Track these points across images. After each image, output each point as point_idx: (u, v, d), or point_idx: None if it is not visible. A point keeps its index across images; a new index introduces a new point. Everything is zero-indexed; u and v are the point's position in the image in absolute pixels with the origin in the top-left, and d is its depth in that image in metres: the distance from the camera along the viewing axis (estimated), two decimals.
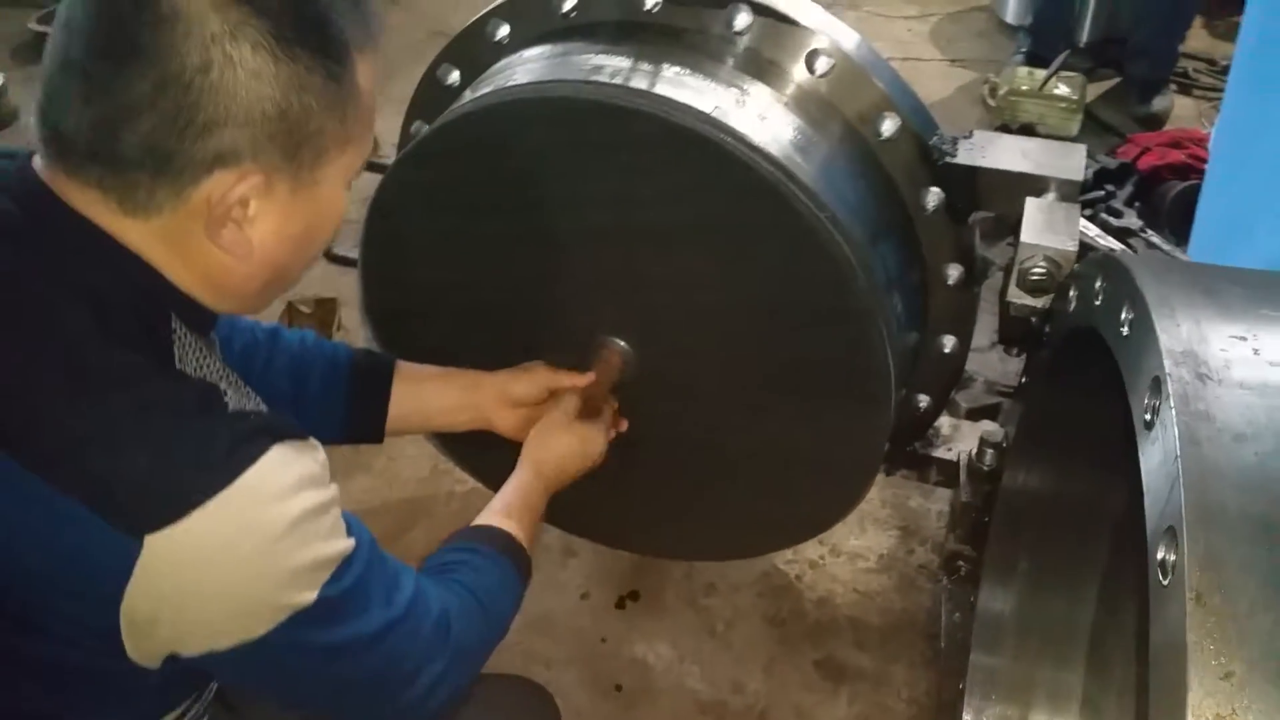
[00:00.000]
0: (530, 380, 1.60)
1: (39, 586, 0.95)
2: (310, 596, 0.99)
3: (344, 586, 1.02)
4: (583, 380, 1.60)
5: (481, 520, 1.40)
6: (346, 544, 1.03)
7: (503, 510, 1.42)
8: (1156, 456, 0.81)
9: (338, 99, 0.98)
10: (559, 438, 1.55)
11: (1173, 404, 0.80)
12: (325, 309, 2.68)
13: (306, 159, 0.99)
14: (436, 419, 1.62)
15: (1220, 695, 0.67)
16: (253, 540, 0.95)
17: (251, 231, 0.99)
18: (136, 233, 0.97)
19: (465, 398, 1.59)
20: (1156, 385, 0.84)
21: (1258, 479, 0.75)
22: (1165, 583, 0.75)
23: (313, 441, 1.03)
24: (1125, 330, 0.96)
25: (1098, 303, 1.09)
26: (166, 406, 0.94)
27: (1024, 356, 1.62)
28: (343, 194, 1.07)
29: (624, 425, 1.66)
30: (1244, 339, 0.85)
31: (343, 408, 1.54)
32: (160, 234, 0.97)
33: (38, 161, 0.98)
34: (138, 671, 1.00)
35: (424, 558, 1.33)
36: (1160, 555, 0.76)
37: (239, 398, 1.00)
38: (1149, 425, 0.84)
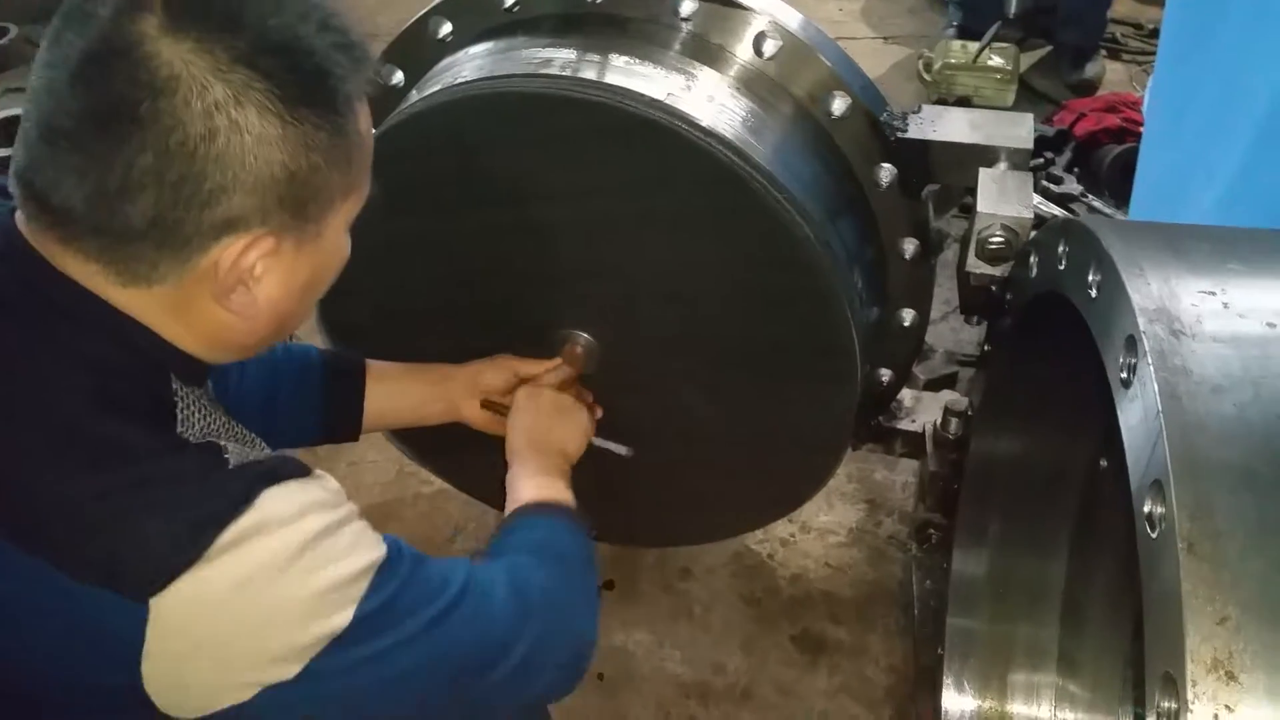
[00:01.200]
0: (499, 369, 1.60)
1: (54, 666, 0.93)
2: (345, 617, 0.96)
3: (386, 596, 0.99)
4: (550, 366, 1.59)
5: (507, 511, 1.36)
6: (376, 553, 1.00)
7: (520, 494, 1.39)
8: (1136, 414, 0.83)
9: (343, 151, 0.96)
10: (529, 413, 1.52)
11: (1150, 361, 0.82)
12: None
13: (313, 214, 0.97)
14: (410, 413, 1.61)
15: (1218, 639, 0.69)
16: (259, 578, 0.92)
17: (258, 290, 0.97)
18: (137, 301, 0.94)
19: (437, 391, 1.59)
20: (1132, 344, 0.86)
21: (1238, 429, 0.77)
22: (1154, 535, 0.77)
23: (318, 473, 1.01)
24: (1094, 292, 0.98)
25: (1061, 267, 1.11)
26: (167, 478, 0.92)
27: (984, 325, 1.65)
28: (344, 238, 1.05)
29: (599, 412, 1.65)
30: (1213, 293, 0.87)
31: (319, 409, 1.53)
32: (162, 301, 0.95)
33: (20, 220, 0.94)
34: None
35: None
36: (1147, 509, 0.78)
37: (240, 450, 0.97)
38: (1126, 384, 0.86)
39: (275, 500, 0.93)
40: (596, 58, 1.52)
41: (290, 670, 0.94)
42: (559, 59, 1.52)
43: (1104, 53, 3.73)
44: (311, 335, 2.48)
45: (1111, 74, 3.68)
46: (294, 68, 0.90)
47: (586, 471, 1.62)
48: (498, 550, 1.25)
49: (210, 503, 0.91)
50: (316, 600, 0.95)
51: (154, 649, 0.90)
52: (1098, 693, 1.53)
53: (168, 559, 0.89)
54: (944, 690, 1.61)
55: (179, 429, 0.96)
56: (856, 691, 1.95)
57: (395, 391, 1.58)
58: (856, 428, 1.88)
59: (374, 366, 1.58)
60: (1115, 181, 2.97)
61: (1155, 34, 3.45)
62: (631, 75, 1.48)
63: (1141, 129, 2.94)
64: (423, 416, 1.61)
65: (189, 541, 0.89)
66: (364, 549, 0.99)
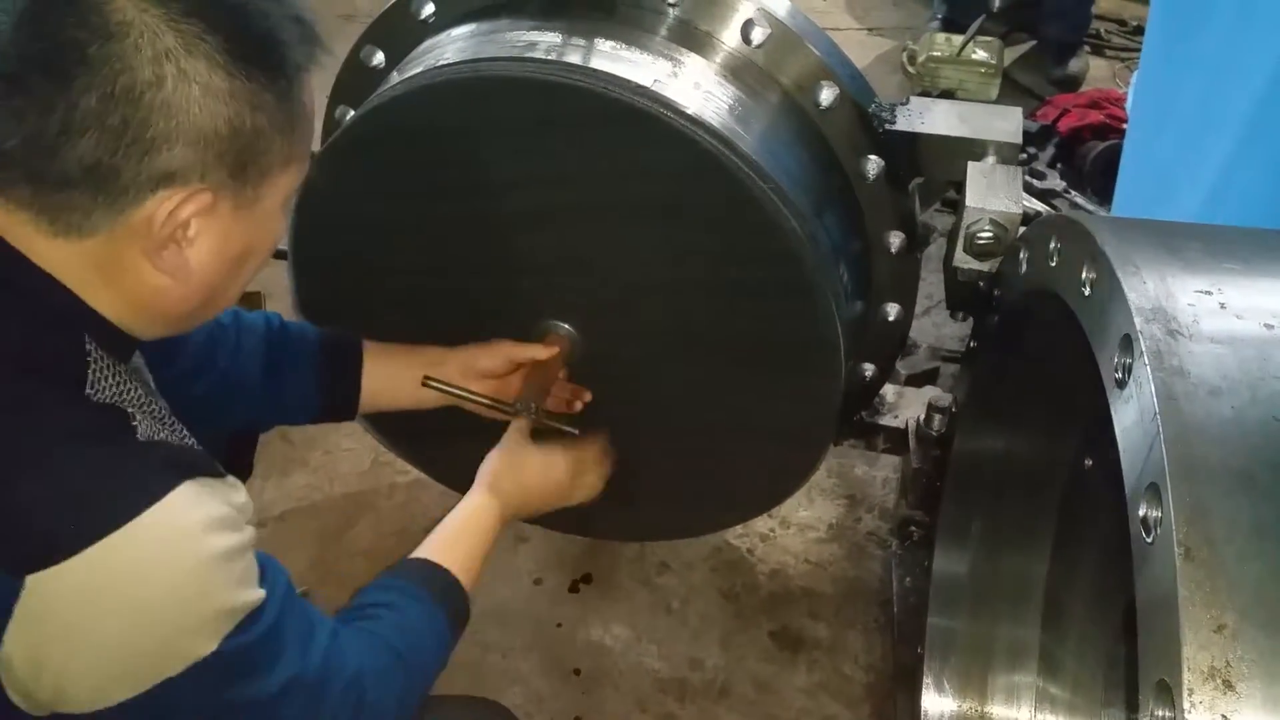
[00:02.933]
0: (494, 353, 1.57)
1: None
2: (210, 647, 0.93)
3: (248, 641, 0.96)
4: (547, 353, 1.56)
5: (422, 551, 1.33)
6: (256, 595, 0.97)
7: (449, 539, 1.36)
8: (1132, 414, 0.82)
9: (287, 117, 0.97)
10: (520, 456, 1.49)
11: (1147, 361, 0.80)
12: (250, 304, 2.60)
13: (252, 177, 0.96)
14: (406, 395, 1.57)
15: (1214, 647, 0.68)
16: (150, 585, 0.89)
17: (191, 252, 0.96)
18: (62, 254, 0.92)
19: (433, 373, 1.55)
20: (1128, 343, 0.84)
21: (1236, 432, 0.75)
22: (1150, 539, 0.75)
23: (231, 480, 0.99)
24: (1087, 290, 0.96)
25: (1053, 264, 1.10)
26: (61, 433, 0.89)
27: (969, 321, 1.63)
28: (280, 214, 1.04)
29: (587, 395, 1.63)
30: (1209, 293, 0.86)
31: (316, 388, 1.51)
32: (91, 255, 0.92)
33: None
34: None
35: (355, 591, 1.27)
36: (1142, 512, 0.76)
37: (151, 426, 0.94)
38: (1121, 384, 0.85)
39: (187, 501, 0.91)
40: (582, 42, 1.50)
41: (141, 686, 0.91)
42: (544, 42, 1.49)
43: (1088, 48, 3.73)
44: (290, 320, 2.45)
45: (1095, 70, 3.68)
46: (246, 27, 0.91)
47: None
48: (369, 611, 1.21)
49: (116, 482, 0.89)
50: (192, 622, 0.92)
51: (18, 630, 0.86)
52: (1078, 694, 1.52)
53: (59, 534, 0.86)
54: (924, 690, 1.60)
55: (86, 389, 0.93)
56: (835, 689, 1.94)
57: (393, 372, 1.55)
58: (839, 423, 1.87)
59: (371, 347, 1.56)
60: (1098, 178, 2.96)
61: (1139, 30, 3.45)
62: (617, 60, 1.46)
63: (1125, 125, 2.94)
64: (419, 399, 1.58)
65: (89, 520, 0.87)
66: (247, 586, 0.97)
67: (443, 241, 1.58)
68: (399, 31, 1.65)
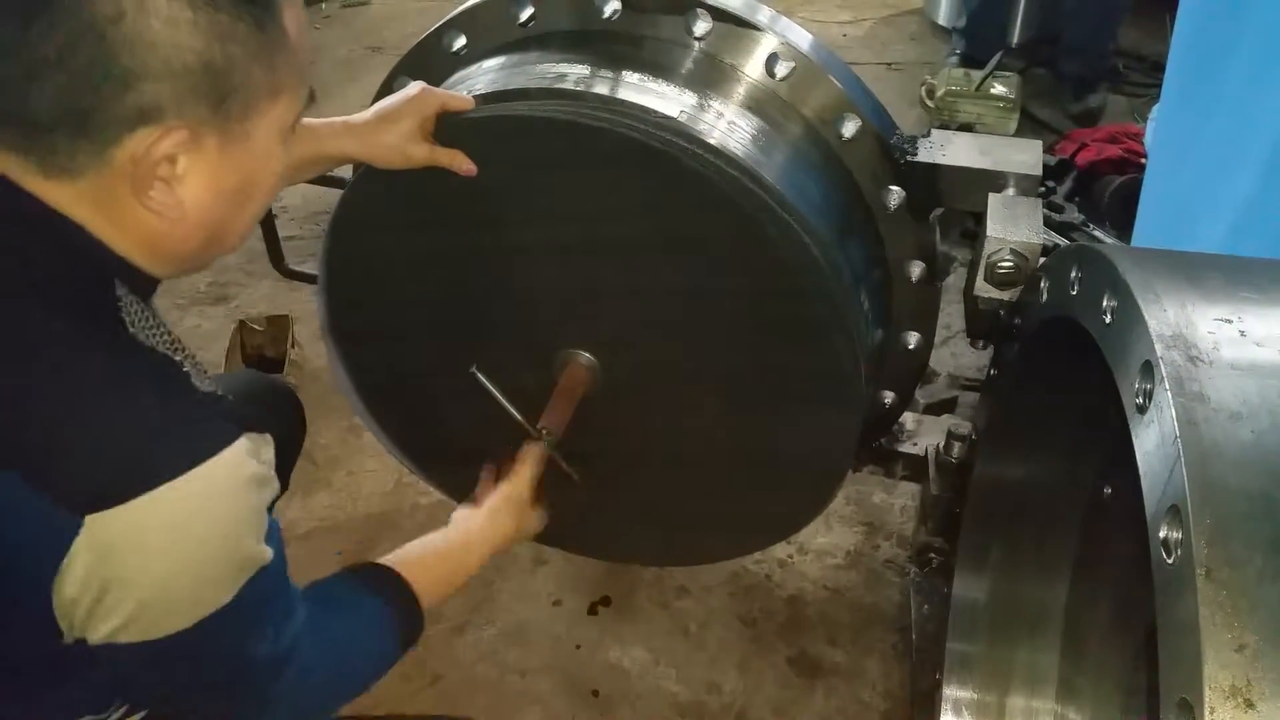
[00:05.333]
0: (398, 114, 1.44)
1: None
2: (229, 595, 0.97)
3: (256, 594, 1.00)
4: (461, 103, 1.47)
5: (391, 559, 1.34)
6: (269, 550, 1.01)
7: (432, 558, 1.38)
8: (1153, 439, 0.83)
9: (264, 47, 0.94)
10: (507, 519, 1.49)
11: (1168, 386, 0.82)
12: (278, 326, 2.64)
13: (235, 111, 0.94)
14: (320, 163, 1.48)
15: (1235, 667, 0.69)
16: (201, 532, 0.93)
17: (182, 190, 0.95)
18: (63, 195, 0.92)
19: (335, 143, 1.45)
20: (1148, 369, 0.86)
21: (1255, 456, 0.77)
22: (1170, 561, 0.76)
23: (268, 436, 1.01)
24: (1108, 318, 0.98)
25: (1074, 292, 1.12)
26: (121, 377, 0.91)
27: (988, 349, 1.65)
28: (278, 147, 1.02)
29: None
30: (1229, 321, 0.88)
31: None
32: (88, 196, 0.92)
33: None
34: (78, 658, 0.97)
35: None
36: (1163, 534, 0.78)
37: (199, 378, 0.96)
38: (1142, 409, 0.87)
39: (242, 455, 0.94)
40: (610, 74, 1.53)
41: (176, 625, 0.95)
42: (573, 74, 1.52)
43: (1106, 84, 3.76)
44: (316, 342, 2.49)
45: (1113, 105, 3.71)
46: None
47: (584, 491, 1.62)
48: (330, 600, 1.22)
49: (182, 429, 0.91)
50: (233, 567, 0.96)
51: (77, 565, 0.89)
52: None
53: (125, 476, 0.88)
54: (942, 715, 1.61)
55: (130, 330, 0.94)
56: (852, 715, 1.94)
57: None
58: (858, 450, 1.89)
59: None
60: (1116, 211, 2.98)
61: (1157, 67, 3.48)
62: (644, 92, 1.49)
63: (1143, 160, 2.96)
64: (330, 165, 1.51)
65: (155, 465, 0.89)
66: (264, 540, 1.01)
67: (467, 271, 1.61)
68: (431, 63, 1.68)
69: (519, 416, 1.55)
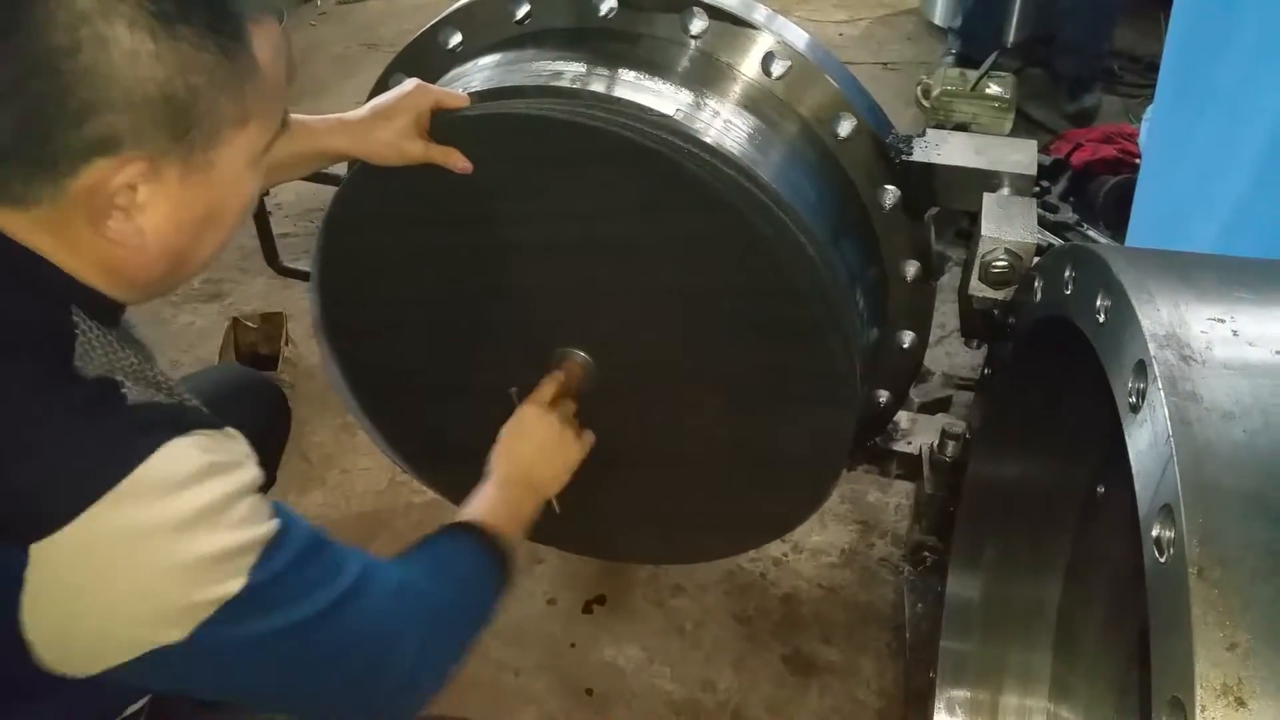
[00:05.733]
0: (394, 112, 1.44)
1: None
2: (238, 584, 0.93)
3: (276, 569, 0.96)
4: (457, 101, 1.47)
5: (461, 515, 1.34)
6: (270, 526, 0.98)
7: (470, 504, 1.36)
8: (1145, 438, 0.84)
9: (231, 76, 0.91)
10: (522, 439, 1.48)
11: (1160, 386, 0.82)
12: (272, 324, 2.63)
13: (199, 141, 0.92)
14: (314, 160, 1.50)
15: (1227, 665, 0.69)
16: (149, 540, 0.89)
17: (143, 220, 0.93)
18: (18, 223, 0.90)
19: (328, 140, 1.46)
20: (1141, 369, 0.86)
21: (1248, 455, 0.77)
22: (1163, 560, 0.77)
23: (229, 431, 0.98)
24: (1102, 317, 0.98)
25: (1068, 292, 1.12)
26: (53, 413, 0.89)
27: (982, 349, 1.65)
28: (248, 173, 1.00)
29: (592, 441, 1.60)
30: (1222, 320, 0.88)
31: None
32: (44, 224, 0.91)
33: None
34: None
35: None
36: (1156, 533, 0.78)
37: (141, 390, 0.93)
38: (1135, 408, 0.87)
39: (176, 455, 0.91)
40: (606, 72, 1.53)
41: (177, 634, 0.92)
42: (569, 71, 1.52)
43: (1101, 84, 3.76)
44: (310, 340, 2.49)
45: (1108, 105, 3.71)
46: None
47: (580, 489, 1.61)
48: (403, 556, 1.22)
49: (103, 449, 0.89)
50: (207, 565, 0.92)
51: (35, 596, 0.88)
52: (1090, 719, 1.52)
53: (55, 503, 0.87)
54: (935, 715, 1.61)
55: (75, 362, 0.92)
56: (847, 713, 1.94)
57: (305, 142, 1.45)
58: (853, 449, 1.89)
59: None
60: (1110, 211, 2.99)
61: (1152, 67, 3.47)
62: (641, 90, 1.49)
63: (1137, 160, 2.97)
64: (312, 166, 1.51)
65: (81, 487, 0.87)
66: (257, 522, 0.97)
67: (461, 269, 1.61)
68: (427, 60, 1.68)
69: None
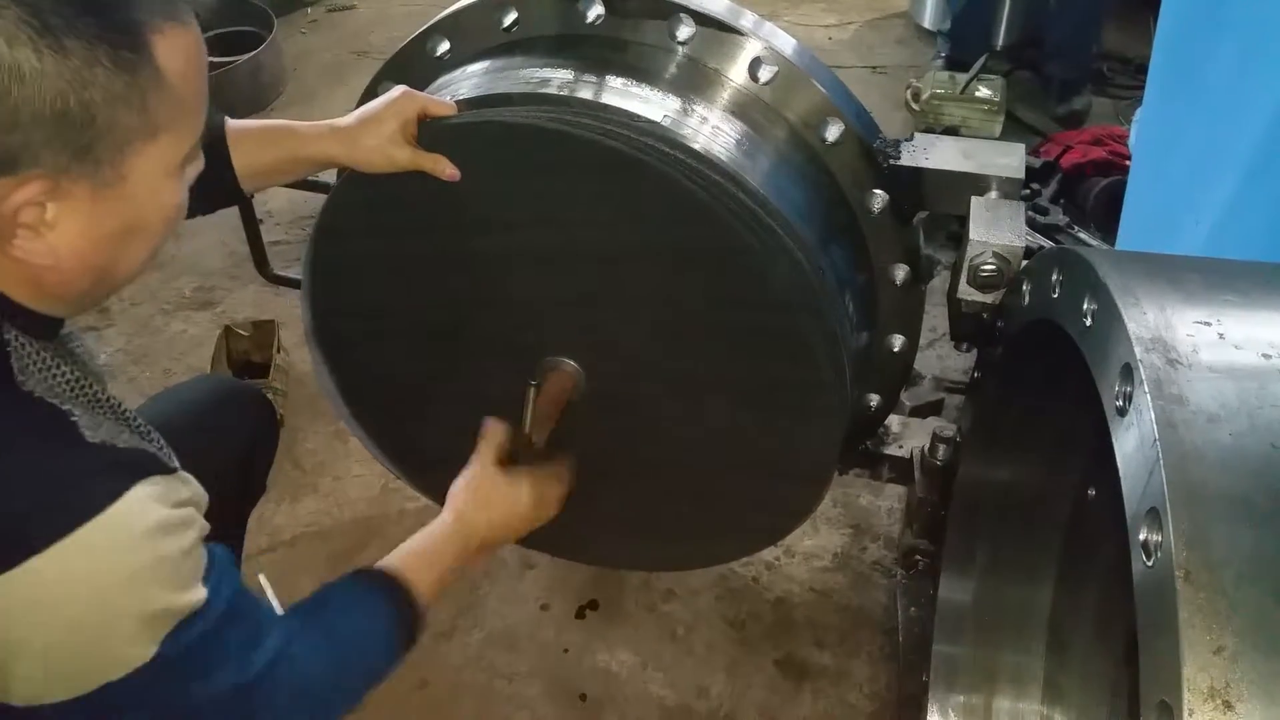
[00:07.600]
0: (383, 118, 1.43)
1: None
2: (149, 650, 0.92)
3: (186, 643, 0.95)
4: (443, 109, 1.46)
5: (384, 563, 1.31)
6: (197, 596, 0.96)
7: (416, 557, 1.33)
8: (1132, 441, 0.84)
9: (130, 89, 0.88)
10: (486, 488, 1.46)
11: (1147, 389, 0.82)
12: (263, 331, 2.63)
13: (104, 155, 0.89)
14: (282, 173, 1.49)
15: (1214, 669, 0.69)
16: (96, 591, 0.88)
17: (54, 238, 0.90)
18: None
19: (308, 148, 1.46)
20: (1128, 372, 0.86)
21: (1234, 458, 0.77)
22: (1150, 563, 0.77)
23: (182, 475, 0.97)
24: (1088, 321, 0.99)
25: (1055, 295, 1.12)
26: (7, 430, 0.87)
27: (972, 352, 1.66)
28: (167, 184, 0.97)
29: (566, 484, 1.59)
30: (1209, 324, 0.88)
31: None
32: None
33: None
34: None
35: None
36: (1143, 536, 0.78)
37: (92, 419, 0.92)
38: (1121, 412, 0.87)
39: (137, 506, 0.89)
40: (594, 79, 1.53)
41: (86, 686, 0.91)
42: (556, 78, 1.52)
43: (1091, 86, 3.77)
44: (301, 347, 2.48)
45: (1098, 108, 3.72)
46: None
47: (572, 495, 1.61)
48: (304, 611, 1.20)
49: (64, 489, 0.87)
50: (135, 626, 0.91)
51: None
52: None
53: (7, 542, 0.85)
54: (929, 717, 1.61)
55: (17, 377, 0.90)
56: (839, 717, 1.94)
57: (256, 149, 1.43)
58: (844, 453, 1.89)
59: (235, 127, 1.42)
60: (1100, 214, 2.99)
61: (1141, 69, 3.48)
62: (628, 97, 1.49)
63: (1127, 162, 2.97)
64: (296, 174, 1.51)
65: (38, 527, 0.85)
66: (192, 587, 0.96)
67: (450, 277, 1.61)
68: (415, 68, 1.68)
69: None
